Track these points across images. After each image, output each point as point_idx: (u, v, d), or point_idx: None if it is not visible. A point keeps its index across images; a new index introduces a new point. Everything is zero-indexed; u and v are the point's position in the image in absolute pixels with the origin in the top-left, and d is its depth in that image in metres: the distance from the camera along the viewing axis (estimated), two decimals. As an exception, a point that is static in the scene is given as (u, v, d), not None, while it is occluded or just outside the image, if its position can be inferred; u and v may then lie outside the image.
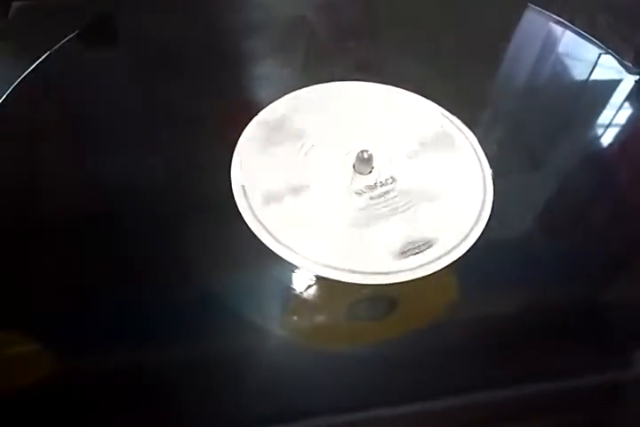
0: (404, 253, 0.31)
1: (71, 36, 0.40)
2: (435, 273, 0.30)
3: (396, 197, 0.33)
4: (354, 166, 0.33)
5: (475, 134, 0.37)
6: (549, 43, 0.45)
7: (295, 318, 0.30)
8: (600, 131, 0.40)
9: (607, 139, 0.40)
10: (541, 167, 0.38)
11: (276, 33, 0.43)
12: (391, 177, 0.33)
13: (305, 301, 0.29)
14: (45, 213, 0.32)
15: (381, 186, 0.33)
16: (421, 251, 0.31)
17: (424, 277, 0.30)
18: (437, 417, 0.27)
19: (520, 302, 0.31)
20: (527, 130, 0.39)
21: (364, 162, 0.33)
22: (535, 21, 0.45)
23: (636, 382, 0.29)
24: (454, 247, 0.31)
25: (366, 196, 0.33)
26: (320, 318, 0.29)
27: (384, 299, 0.30)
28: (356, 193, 0.33)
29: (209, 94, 0.38)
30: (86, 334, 0.28)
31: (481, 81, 0.41)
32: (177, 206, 0.33)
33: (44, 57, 0.38)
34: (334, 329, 0.29)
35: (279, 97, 0.37)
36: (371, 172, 0.33)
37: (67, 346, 0.28)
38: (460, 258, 0.31)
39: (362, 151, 0.33)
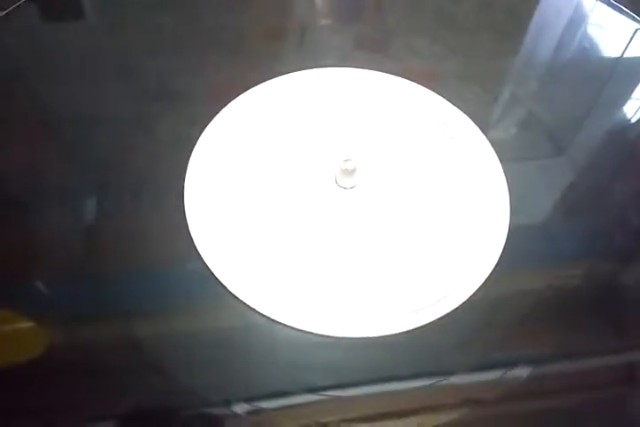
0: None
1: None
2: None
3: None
4: (335, 180, 0.28)
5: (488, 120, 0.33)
6: (577, 15, 0.39)
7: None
8: (631, 110, 0.36)
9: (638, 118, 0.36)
10: (569, 145, 0.34)
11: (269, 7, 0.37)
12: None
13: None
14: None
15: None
16: None
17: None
18: (455, 393, 0.26)
19: (541, 282, 0.29)
20: (552, 108, 0.35)
21: (346, 174, 0.28)
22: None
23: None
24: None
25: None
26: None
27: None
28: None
29: (180, 74, 0.33)
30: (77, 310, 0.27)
31: (501, 57, 0.37)
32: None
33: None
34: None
35: (258, 83, 0.32)
36: (354, 186, 0.28)
37: (60, 322, 0.27)
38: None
39: (345, 161, 0.28)
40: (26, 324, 0.26)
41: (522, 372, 0.27)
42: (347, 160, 0.28)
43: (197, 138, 0.30)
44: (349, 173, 0.28)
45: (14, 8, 0.35)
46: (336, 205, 0.28)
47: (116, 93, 0.33)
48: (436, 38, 0.36)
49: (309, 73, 0.32)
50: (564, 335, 0.28)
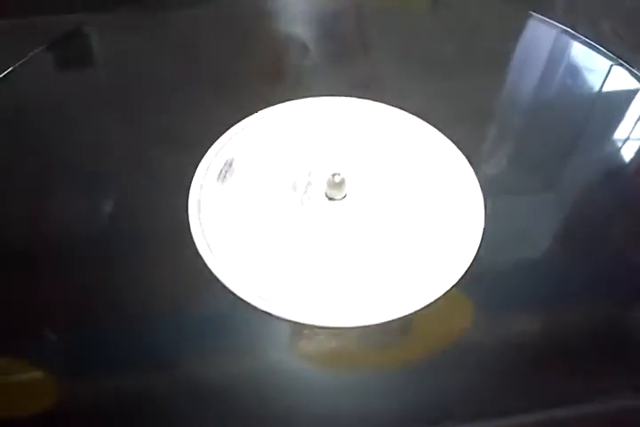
0: None
1: (37, 50, 0.37)
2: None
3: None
4: (325, 193, 0.30)
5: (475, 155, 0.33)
6: (555, 54, 0.41)
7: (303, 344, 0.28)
8: (615, 146, 0.37)
9: (624, 153, 0.36)
10: (555, 185, 0.35)
11: (264, 51, 0.40)
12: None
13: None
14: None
15: None
16: None
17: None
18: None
19: (540, 324, 0.29)
20: (535, 147, 0.36)
21: (335, 187, 0.29)
22: (539, 31, 0.42)
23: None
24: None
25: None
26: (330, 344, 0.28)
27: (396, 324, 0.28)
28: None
29: (181, 113, 0.35)
30: (88, 361, 0.27)
31: (483, 96, 0.38)
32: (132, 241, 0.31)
33: (6, 72, 0.36)
34: (344, 355, 0.28)
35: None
36: (345, 197, 0.30)
37: (70, 373, 0.26)
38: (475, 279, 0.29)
39: (333, 175, 0.29)
40: (35, 373, 0.26)
41: (521, 419, 0.26)
42: (334, 174, 0.29)
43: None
44: (337, 185, 0.30)
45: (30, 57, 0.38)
46: (328, 215, 0.30)
47: (120, 137, 0.35)
48: (423, 80, 0.38)
49: (304, 102, 0.35)
50: (566, 381, 0.27)
